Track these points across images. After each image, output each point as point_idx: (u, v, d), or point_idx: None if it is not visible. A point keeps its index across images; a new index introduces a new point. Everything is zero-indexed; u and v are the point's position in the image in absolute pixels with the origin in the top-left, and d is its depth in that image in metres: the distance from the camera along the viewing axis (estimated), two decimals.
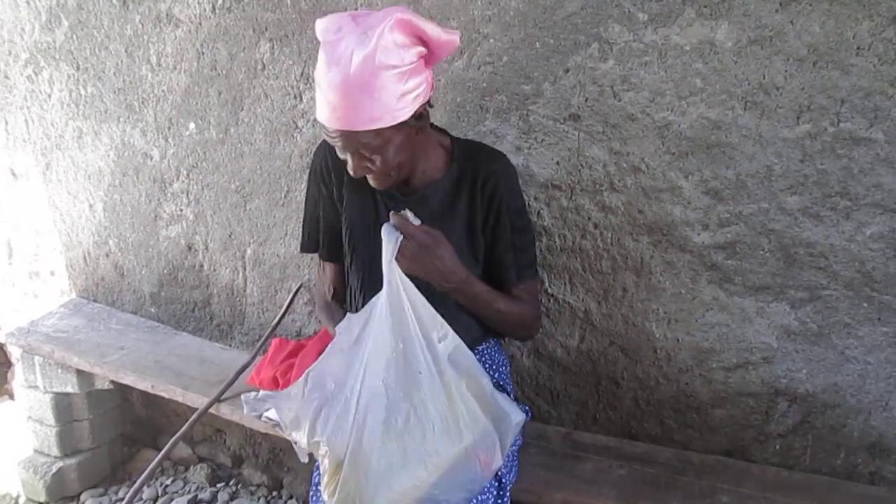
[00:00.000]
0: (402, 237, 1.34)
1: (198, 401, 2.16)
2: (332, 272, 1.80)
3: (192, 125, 2.35)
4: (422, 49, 1.34)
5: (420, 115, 1.39)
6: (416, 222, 1.37)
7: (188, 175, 2.42)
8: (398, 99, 1.30)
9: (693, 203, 1.69)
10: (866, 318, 1.61)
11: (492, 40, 1.79)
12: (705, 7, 1.57)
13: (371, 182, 1.50)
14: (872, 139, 1.50)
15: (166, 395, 2.25)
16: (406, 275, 1.35)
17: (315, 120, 2.10)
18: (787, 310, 1.68)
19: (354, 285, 1.72)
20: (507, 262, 1.58)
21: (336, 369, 1.39)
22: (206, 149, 2.35)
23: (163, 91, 2.36)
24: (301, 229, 1.79)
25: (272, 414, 1.66)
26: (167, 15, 2.26)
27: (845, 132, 1.52)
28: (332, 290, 1.80)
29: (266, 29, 2.11)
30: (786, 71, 1.54)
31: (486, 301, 1.53)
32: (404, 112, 1.33)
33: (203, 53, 2.24)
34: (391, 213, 1.37)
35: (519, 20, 1.75)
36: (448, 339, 1.36)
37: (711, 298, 1.74)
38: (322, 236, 1.75)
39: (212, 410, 2.13)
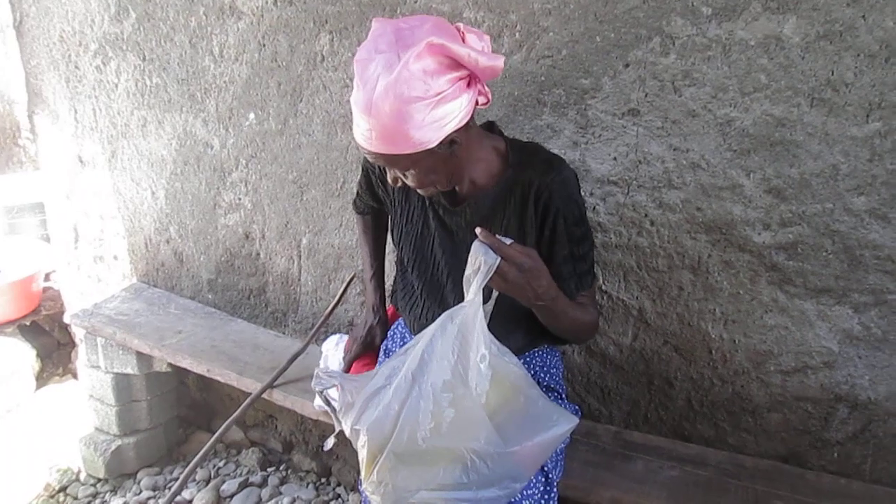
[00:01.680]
0: (500, 259, 1.26)
1: (251, 386, 2.21)
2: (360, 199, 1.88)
3: (251, 116, 2.39)
4: (461, 73, 1.27)
5: (452, 142, 1.33)
6: (507, 241, 1.30)
7: (247, 165, 2.46)
8: (420, 129, 1.26)
9: (754, 202, 1.65)
10: None
11: (551, 34, 1.78)
12: (772, 1, 1.52)
13: (419, 191, 1.50)
14: None
15: (221, 380, 2.30)
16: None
17: None
18: (850, 314, 1.63)
19: (401, 275, 1.76)
20: (566, 274, 1.51)
21: (397, 368, 1.39)
22: (265, 139, 2.39)
23: (224, 82, 2.41)
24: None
25: (334, 393, 1.65)
26: (230, 7, 2.30)
27: None
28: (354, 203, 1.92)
29: (326, 21, 2.13)
30: (856, 67, 1.49)
31: (566, 313, 1.45)
32: (428, 141, 1.28)
33: (264, 45, 2.28)
34: (479, 230, 1.28)
35: (579, 13, 1.73)
36: (489, 361, 1.34)
37: (771, 300, 1.70)
38: (363, 191, 1.82)
39: (264, 396, 2.18)
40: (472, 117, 1.36)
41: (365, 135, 1.30)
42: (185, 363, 2.37)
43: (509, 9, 1.81)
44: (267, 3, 2.22)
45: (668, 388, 1.89)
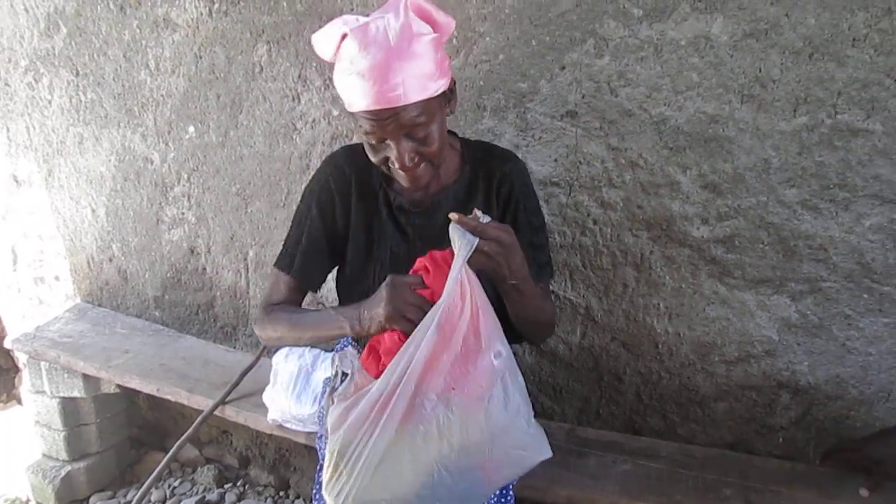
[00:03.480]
0: (477, 240, 1.25)
1: (203, 403, 2.18)
2: (292, 292, 1.61)
3: (191, 129, 2.36)
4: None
5: (452, 90, 1.39)
6: (486, 220, 1.29)
7: (189, 178, 2.43)
8: (438, 65, 1.31)
9: (692, 197, 1.69)
10: (867, 310, 1.61)
11: (488, 38, 1.80)
12: (700, 1, 1.56)
13: (409, 181, 1.41)
14: (870, 130, 1.50)
15: (172, 398, 2.26)
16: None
17: (314, 121, 2.11)
18: (787, 302, 1.68)
19: (359, 286, 1.64)
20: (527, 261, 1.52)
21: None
22: (206, 152, 2.36)
23: (162, 95, 2.37)
24: (283, 245, 1.63)
25: (347, 366, 1.52)
26: (164, 20, 2.26)
27: (842, 124, 1.52)
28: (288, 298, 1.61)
29: (263, 32, 2.11)
30: (782, 63, 1.54)
31: (534, 299, 1.45)
32: (443, 81, 1.33)
33: (201, 57, 2.25)
34: (452, 214, 1.27)
35: (514, 18, 1.75)
36: (503, 358, 1.30)
37: (712, 292, 1.74)
38: (301, 256, 1.60)
39: (217, 412, 2.15)
40: None
41: (390, 93, 1.27)
42: (134, 383, 2.32)
43: None
44: (202, 14, 2.19)
45: (617, 384, 1.92)
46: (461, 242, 1.25)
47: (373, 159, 1.41)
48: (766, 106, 1.57)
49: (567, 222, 1.84)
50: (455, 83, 1.40)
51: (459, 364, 1.27)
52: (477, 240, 1.25)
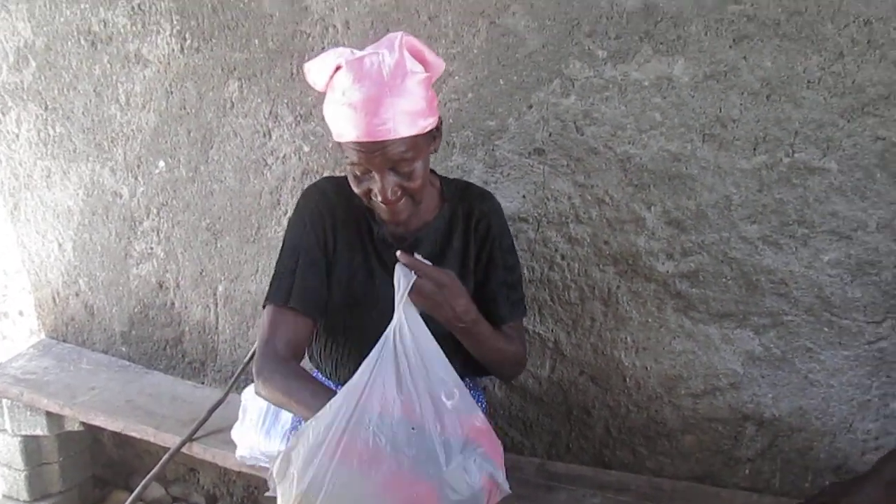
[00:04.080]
0: (414, 276, 1.30)
1: (170, 440, 2.14)
2: (297, 326, 1.49)
3: (161, 163, 2.35)
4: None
5: (438, 129, 1.43)
6: (428, 264, 1.35)
7: (158, 213, 2.42)
8: (428, 104, 1.34)
9: (657, 233, 1.73)
10: (827, 343, 1.65)
11: (457, 77, 1.83)
12: (661, 44, 1.61)
13: (389, 214, 1.42)
14: (826, 169, 1.55)
15: (137, 436, 2.22)
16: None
17: (284, 157, 2.12)
18: (750, 336, 1.71)
19: (343, 344, 1.61)
20: (500, 300, 1.56)
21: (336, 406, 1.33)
22: (176, 187, 2.35)
23: (132, 130, 2.37)
24: (273, 279, 1.52)
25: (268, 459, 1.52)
26: (136, 55, 2.27)
27: (800, 162, 1.57)
28: (288, 350, 1.47)
29: (235, 68, 2.13)
30: (741, 104, 1.59)
31: (488, 339, 1.48)
32: (432, 120, 1.37)
33: (172, 93, 2.26)
34: (399, 253, 1.32)
35: (483, 58, 1.79)
36: (456, 399, 1.29)
37: (677, 326, 1.77)
38: (300, 283, 1.50)
39: (184, 449, 2.12)
40: None
41: (380, 127, 1.29)
42: (99, 421, 2.28)
43: None
44: (174, 51, 2.21)
45: (586, 417, 1.94)
46: (402, 280, 1.30)
47: (356, 190, 1.43)
48: (726, 145, 1.62)
49: (535, 257, 1.86)
50: (441, 122, 1.44)
51: (411, 403, 1.27)
52: (414, 276, 1.30)
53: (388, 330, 1.30)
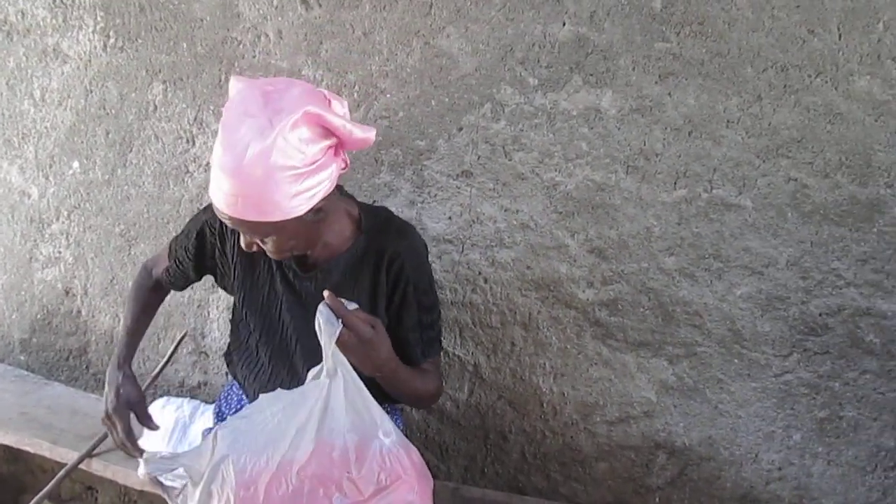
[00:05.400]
0: (341, 327, 1.25)
1: (67, 456, 2.02)
2: (165, 272, 1.71)
3: (76, 164, 2.25)
4: (331, 141, 1.26)
5: (318, 210, 1.30)
6: (352, 307, 1.29)
7: (69, 216, 2.31)
8: (291, 198, 1.22)
9: (578, 261, 1.75)
10: (737, 374, 1.70)
11: (388, 95, 1.82)
12: (591, 76, 1.65)
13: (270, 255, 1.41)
14: (741, 206, 1.61)
15: (31, 450, 2.09)
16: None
17: (207, 164, 2.06)
18: (665, 365, 1.75)
19: (244, 343, 1.66)
20: (412, 341, 1.51)
21: (251, 437, 1.29)
22: (91, 189, 2.25)
23: (45, 127, 2.26)
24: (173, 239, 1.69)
25: (174, 475, 1.49)
26: (54, 50, 2.18)
27: (717, 198, 1.62)
28: (161, 278, 1.73)
29: (160, 71, 2.06)
30: (664, 139, 1.63)
31: (406, 383, 1.45)
32: (298, 210, 1.25)
33: (91, 91, 2.17)
34: (327, 293, 1.27)
35: (415, 78, 1.79)
36: (393, 437, 1.30)
37: (595, 353, 1.79)
38: (178, 265, 1.67)
39: (83, 466, 2.00)
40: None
41: (228, 200, 1.22)
42: None
43: (347, 69, 1.84)
44: (96, 48, 2.13)
45: (503, 442, 1.93)
46: (326, 327, 1.25)
47: None
48: (649, 177, 1.66)
49: (459, 280, 1.86)
50: (323, 202, 1.30)
51: (336, 451, 1.26)
52: (341, 326, 1.25)
53: (312, 373, 1.29)
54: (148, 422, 1.72)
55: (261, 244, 1.35)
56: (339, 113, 1.28)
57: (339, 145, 1.29)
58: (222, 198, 1.24)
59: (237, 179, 1.20)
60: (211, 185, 1.26)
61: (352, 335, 1.26)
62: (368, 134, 1.29)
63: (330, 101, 1.29)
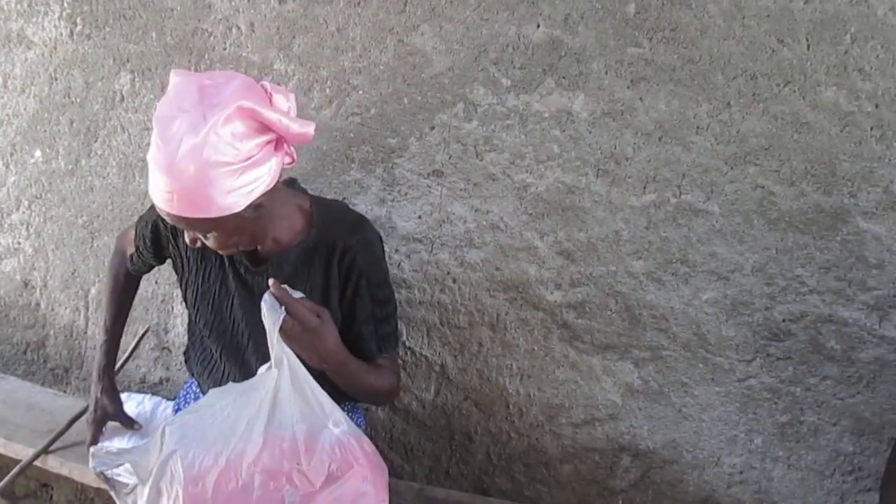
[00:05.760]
0: (284, 314, 1.23)
1: (22, 452, 1.97)
2: (133, 261, 1.72)
3: (38, 153, 2.20)
4: (269, 136, 1.24)
5: (258, 206, 1.28)
6: (298, 295, 1.27)
7: (30, 206, 2.25)
8: (227, 194, 1.20)
9: (547, 263, 1.75)
10: (701, 378, 1.72)
11: (361, 92, 1.81)
12: (564, 78, 1.65)
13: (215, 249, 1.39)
14: (709, 211, 1.62)
15: None
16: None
17: None
18: (630, 368, 1.76)
19: (197, 339, 1.67)
20: (367, 335, 1.50)
21: (200, 432, 1.28)
22: (53, 179, 2.20)
23: (7, 115, 2.21)
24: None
25: (124, 471, 1.48)
26: (18, 35, 2.13)
27: (685, 203, 1.64)
28: (130, 260, 1.72)
29: (128, 60, 2.02)
30: (634, 143, 1.64)
31: (357, 377, 1.43)
32: (235, 206, 1.22)
33: (56, 79, 2.12)
34: (272, 282, 1.25)
35: (388, 75, 1.78)
36: (344, 426, 1.30)
37: (562, 356, 1.80)
38: (139, 255, 1.67)
39: (38, 463, 1.95)
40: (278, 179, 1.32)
41: (164, 196, 1.20)
42: None
43: (320, 64, 1.82)
44: (62, 35, 2.08)
45: (468, 443, 1.93)
46: (269, 315, 1.23)
47: None
48: (618, 181, 1.67)
49: (427, 279, 1.85)
50: (263, 198, 1.28)
51: (274, 443, 1.25)
52: (283, 313, 1.23)
53: (263, 368, 1.29)
54: (131, 426, 1.82)
55: (203, 240, 1.34)
56: (281, 107, 1.26)
57: (281, 139, 1.27)
58: (159, 195, 1.22)
59: (171, 176, 1.17)
60: (149, 182, 1.24)
61: (295, 323, 1.24)
62: (307, 129, 1.26)
63: (272, 95, 1.27)
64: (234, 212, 1.23)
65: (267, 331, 1.24)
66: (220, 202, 1.20)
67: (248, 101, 1.18)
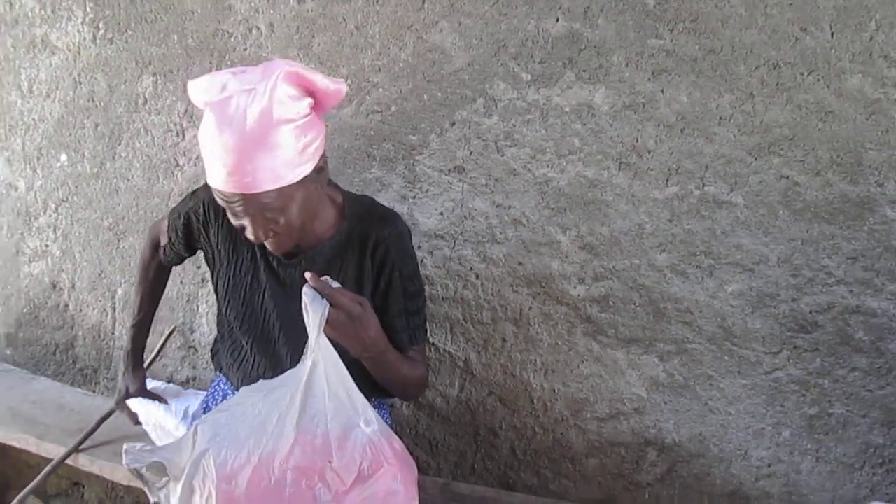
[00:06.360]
0: (329, 306, 1.23)
1: (54, 451, 2.01)
2: (165, 252, 1.72)
3: (63, 157, 2.23)
4: (311, 100, 1.28)
5: (320, 169, 1.32)
6: (335, 286, 1.26)
7: (57, 209, 2.29)
8: (299, 153, 1.23)
9: (570, 257, 1.75)
10: (727, 371, 1.70)
11: (381, 90, 1.81)
12: (584, 71, 1.65)
13: (269, 246, 1.39)
14: (733, 203, 1.61)
15: (17, 446, 2.07)
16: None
17: (198, 158, 2.05)
18: (655, 362, 1.75)
19: (227, 333, 1.67)
20: (399, 327, 1.51)
21: (232, 430, 1.28)
22: (79, 182, 2.23)
23: (33, 119, 2.24)
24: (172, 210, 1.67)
25: (154, 469, 1.49)
26: (43, 41, 2.16)
27: (709, 195, 1.62)
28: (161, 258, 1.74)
29: (150, 63, 2.05)
30: (656, 135, 1.63)
31: (395, 367, 1.44)
32: (306, 166, 1.26)
33: (80, 83, 2.15)
34: (308, 275, 1.25)
35: (408, 72, 1.78)
36: (375, 425, 1.29)
37: (586, 350, 1.79)
38: (171, 246, 1.68)
39: (69, 461, 1.99)
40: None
41: (237, 178, 1.21)
42: None
43: (340, 63, 1.83)
44: (85, 39, 2.11)
45: (493, 438, 1.93)
46: (313, 307, 1.22)
47: (233, 223, 1.37)
48: (641, 174, 1.66)
49: (450, 275, 1.85)
50: (325, 159, 1.34)
51: (320, 441, 1.25)
52: (328, 305, 1.23)
53: (302, 364, 1.27)
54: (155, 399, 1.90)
55: (273, 228, 1.32)
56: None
57: (316, 107, 1.31)
58: (231, 178, 1.22)
59: (245, 147, 1.19)
60: (213, 176, 1.24)
61: (340, 313, 1.24)
62: (341, 86, 1.31)
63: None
64: (305, 174, 1.26)
65: (309, 323, 1.23)
66: (294, 163, 1.23)
67: (292, 66, 1.23)
